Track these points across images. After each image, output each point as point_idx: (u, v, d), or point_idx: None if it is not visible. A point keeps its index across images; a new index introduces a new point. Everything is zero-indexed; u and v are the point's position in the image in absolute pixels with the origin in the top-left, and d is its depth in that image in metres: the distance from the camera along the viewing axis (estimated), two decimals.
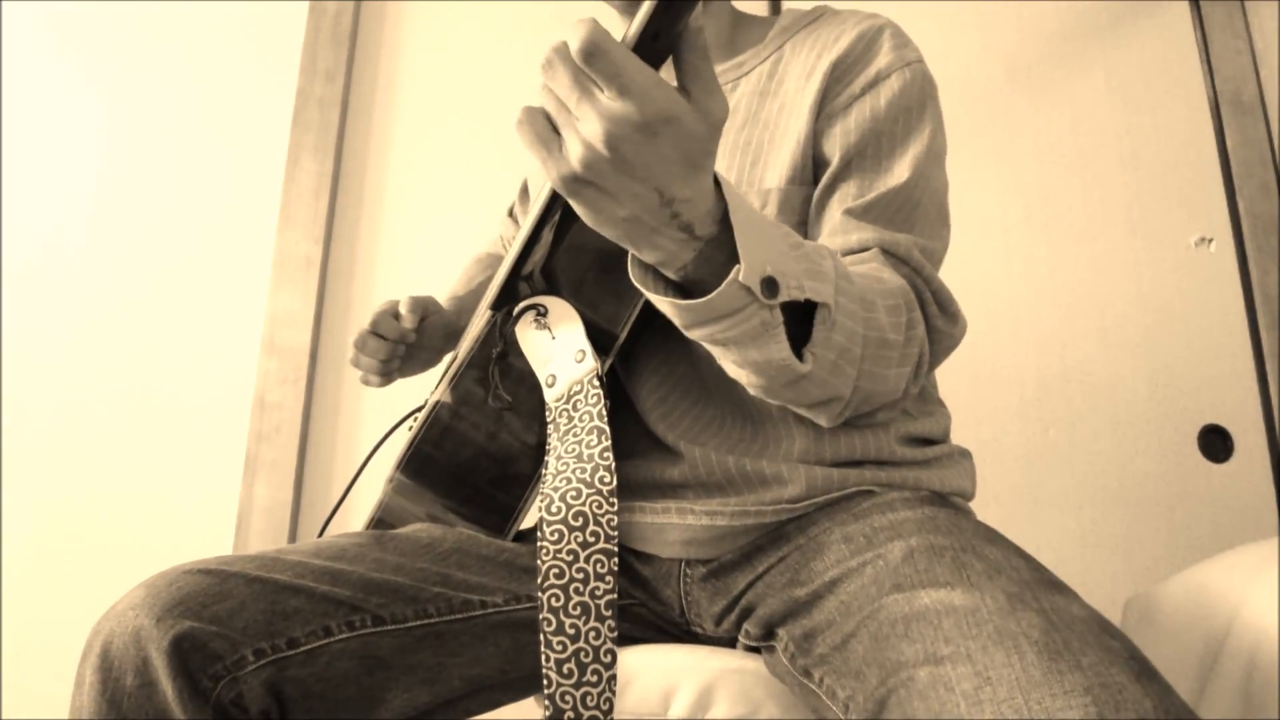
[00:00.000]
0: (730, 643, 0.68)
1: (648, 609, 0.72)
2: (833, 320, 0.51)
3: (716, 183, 0.48)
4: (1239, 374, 1.38)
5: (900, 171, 0.67)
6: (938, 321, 0.63)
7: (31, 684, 1.41)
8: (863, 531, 0.60)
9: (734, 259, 0.46)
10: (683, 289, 0.51)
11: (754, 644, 0.64)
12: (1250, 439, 1.35)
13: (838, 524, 0.62)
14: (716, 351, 0.53)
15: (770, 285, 0.47)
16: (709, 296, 0.47)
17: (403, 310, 0.85)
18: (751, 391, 0.56)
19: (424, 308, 0.87)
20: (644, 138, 0.42)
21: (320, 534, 0.77)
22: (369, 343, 0.85)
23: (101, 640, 0.54)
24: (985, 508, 1.28)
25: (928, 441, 0.71)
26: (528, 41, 1.66)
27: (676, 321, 0.50)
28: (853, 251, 0.65)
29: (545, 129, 0.45)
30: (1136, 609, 0.82)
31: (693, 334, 0.51)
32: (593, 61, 0.41)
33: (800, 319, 0.52)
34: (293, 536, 1.46)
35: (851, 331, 0.53)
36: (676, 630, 0.72)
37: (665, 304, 0.49)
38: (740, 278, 0.46)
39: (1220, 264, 1.42)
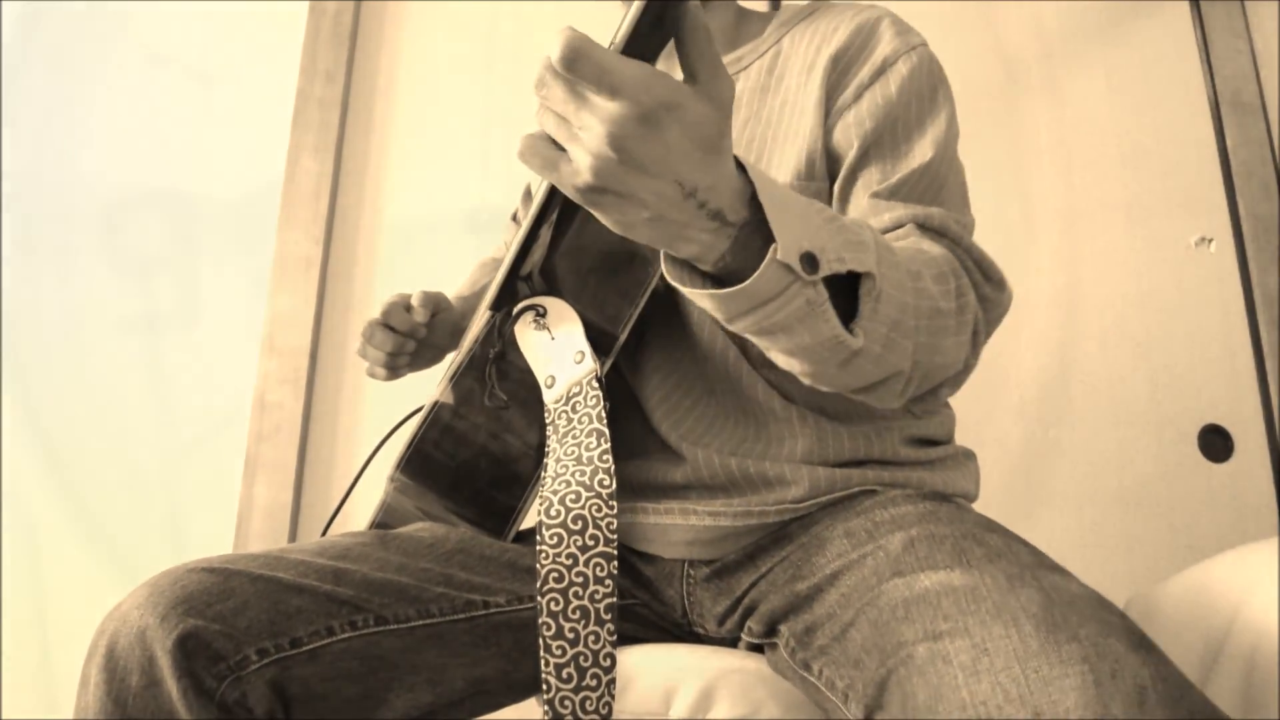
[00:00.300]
0: (733, 643, 0.69)
1: (650, 609, 0.72)
2: (879, 291, 0.49)
3: (740, 166, 0.46)
4: (1239, 374, 1.38)
5: (923, 151, 0.66)
6: (985, 289, 0.61)
7: (32, 684, 1.41)
8: (864, 526, 0.60)
9: (770, 242, 0.45)
10: (721, 282, 0.49)
11: (757, 641, 0.64)
12: (1250, 439, 1.35)
13: (840, 520, 0.62)
14: (764, 342, 0.50)
15: (810, 261, 0.45)
16: (748, 281, 0.45)
17: (414, 303, 0.84)
18: (805, 382, 0.54)
19: (435, 303, 0.86)
20: (648, 131, 0.41)
21: (323, 534, 0.77)
22: (376, 334, 0.85)
23: (106, 640, 0.55)
24: (985, 508, 1.27)
25: (932, 442, 0.71)
26: (528, 41, 1.66)
27: (719, 315, 0.48)
28: (886, 231, 0.63)
29: (549, 149, 0.44)
30: (1137, 609, 0.82)
31: (737, 326, 0.49)
32: (576, 67, 0.40)
33: (846, 297, 0.50)
34: (293, 536, 1.46)
35: (901, 302, 0.51)
36: (679, 631, 0.72)
37: (705, 298, 0.48)
38: (778, 256, 0.44)
39: (1220, 264, 1.42)
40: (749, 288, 0.45)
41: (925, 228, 0.62)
